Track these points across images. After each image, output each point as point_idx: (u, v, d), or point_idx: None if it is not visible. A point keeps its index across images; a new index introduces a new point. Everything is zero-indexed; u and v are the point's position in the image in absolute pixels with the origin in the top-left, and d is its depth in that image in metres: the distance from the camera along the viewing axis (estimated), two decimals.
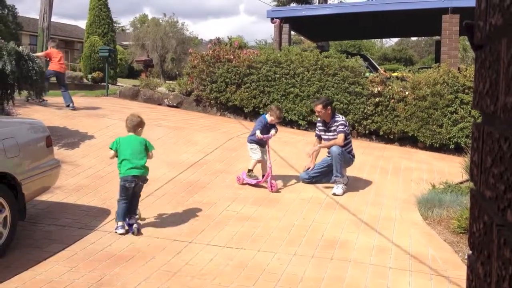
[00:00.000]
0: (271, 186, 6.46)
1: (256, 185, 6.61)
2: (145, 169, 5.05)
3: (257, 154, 6.73)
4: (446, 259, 4.51)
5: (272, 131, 6.71)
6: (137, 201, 5.11)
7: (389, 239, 4.99)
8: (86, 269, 4.13)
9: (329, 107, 6.68)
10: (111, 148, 5.11)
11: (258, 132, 6.56)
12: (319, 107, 6.66)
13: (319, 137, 6.90)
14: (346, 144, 6.62)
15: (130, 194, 4.97)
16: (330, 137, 6.67)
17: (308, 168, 6.82)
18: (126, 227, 4.94)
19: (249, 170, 6.74)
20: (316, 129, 6.99)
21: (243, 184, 6.70)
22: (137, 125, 5.14)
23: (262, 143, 6.72)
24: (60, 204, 5.73)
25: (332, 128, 6.67)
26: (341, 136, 6.51)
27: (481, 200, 0.83)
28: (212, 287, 3.88)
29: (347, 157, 6.61)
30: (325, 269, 4.25)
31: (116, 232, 4.90)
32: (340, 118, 6.72)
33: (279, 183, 6.78)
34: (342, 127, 6.57)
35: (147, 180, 5.19)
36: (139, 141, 5.09)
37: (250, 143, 6.78)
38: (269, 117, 6.71)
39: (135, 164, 4.95)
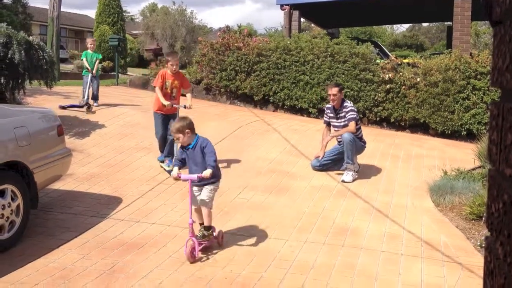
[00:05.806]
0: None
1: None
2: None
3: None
4: (459, 246, 4.48)
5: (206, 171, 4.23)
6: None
7: (400, 225, 4.97)
8: (98, 256, 4.17)
9: (342, 91, 6.72)
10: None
11: (175, 170, 4.33)
12: (335, 90, 6.50)
13: (328, 124, 6.81)
14: (357, 130, 6.55)
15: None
16: (341, 123, 6.59)
17: (318, 157, 6.77)
18: None
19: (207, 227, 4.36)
20: (325, 115, 6.86)
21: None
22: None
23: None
24: (72, 192, 5.77)
25: (341, 115, 6.57)
26: (352, 123, 6.44)
27: (500, 179, 0.80)
28: (223, 274, 3.88)
29: (358, 144, 6.55)
30: (336, 256, 4.25)
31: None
32: (349, 104, 6.62)
33: (290, 170, 6.76)
34: (352, 113, 6.49)
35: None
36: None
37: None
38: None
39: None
